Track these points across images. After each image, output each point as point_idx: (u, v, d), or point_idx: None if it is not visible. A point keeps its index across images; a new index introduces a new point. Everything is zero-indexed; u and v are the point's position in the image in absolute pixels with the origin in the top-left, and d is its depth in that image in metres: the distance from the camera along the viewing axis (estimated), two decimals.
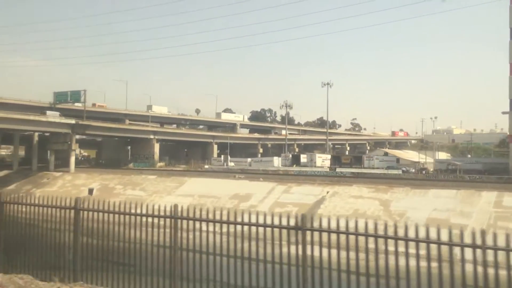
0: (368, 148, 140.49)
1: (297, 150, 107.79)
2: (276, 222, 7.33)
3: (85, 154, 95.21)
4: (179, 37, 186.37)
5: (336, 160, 60.06)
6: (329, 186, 37.68)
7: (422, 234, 6.19)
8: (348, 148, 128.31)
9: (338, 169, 51.27)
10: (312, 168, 54.41)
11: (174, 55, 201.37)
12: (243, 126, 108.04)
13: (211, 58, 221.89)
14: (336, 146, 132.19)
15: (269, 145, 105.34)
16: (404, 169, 51.12)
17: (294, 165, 60.19)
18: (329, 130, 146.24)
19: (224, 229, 8.05)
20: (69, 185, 49.66)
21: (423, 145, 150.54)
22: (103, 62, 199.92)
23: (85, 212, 9.47)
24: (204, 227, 8.26)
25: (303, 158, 63.55)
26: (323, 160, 61.07)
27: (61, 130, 53.66)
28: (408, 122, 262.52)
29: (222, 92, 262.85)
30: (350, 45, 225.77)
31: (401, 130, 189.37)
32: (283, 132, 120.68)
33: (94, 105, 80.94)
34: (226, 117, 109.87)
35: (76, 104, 63.73)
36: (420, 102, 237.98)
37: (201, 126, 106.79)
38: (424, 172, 49.85)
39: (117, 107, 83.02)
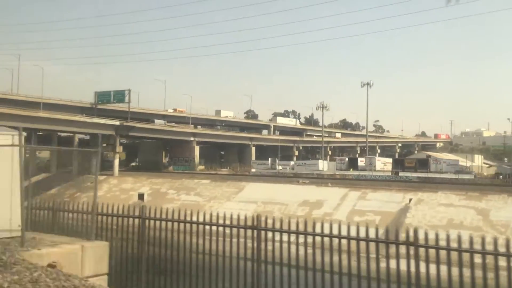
0: (398, 150, 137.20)
1: (330, 152, 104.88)
2: None
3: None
4: (188, 39, 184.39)
5: (399, 163, 56.86)
6: (410, 192, 34.61)
7: None
8: (378, 151, 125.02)
9: (401, 173, 48.28)
10: (372, 172, 51.25)
11: (191, 56, 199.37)
12: (277, 128, 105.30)
13: (228, 59, 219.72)
14: (364, 148, 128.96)
15: (301, 148, 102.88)
16: (473, 173, 47.98)
17: (351, 169, 57.21)
18: (356, 132, 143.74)
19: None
20: (117, 190, 47.31)
21: (452, 147, 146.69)
22: (134, 62, 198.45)
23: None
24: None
25: (361, 161, 60.50)
26: (384, 164, 57.93)
27: (105, 131, 51.35)
28: (433, 125, 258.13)
29: (243, 93, 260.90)
30: (373, 47, 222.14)
31: (423, 132, 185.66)
32: (312, 133, 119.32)
33: (175, 110, 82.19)
34: (281, 121, 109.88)
35: (120, 104, 61.36)
36: (444, 104, 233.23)
37: (218, 127, 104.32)
38: (501, 176, 46.62)
39: (153, 107, 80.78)
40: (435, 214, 30.77)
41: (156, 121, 55.17)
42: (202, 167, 66.82)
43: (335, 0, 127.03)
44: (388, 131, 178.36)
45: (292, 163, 66.93)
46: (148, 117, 70.29)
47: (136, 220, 9.11)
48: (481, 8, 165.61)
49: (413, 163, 54.57)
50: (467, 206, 31.02)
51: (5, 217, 7.71)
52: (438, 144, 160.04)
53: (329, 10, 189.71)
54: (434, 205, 32.11)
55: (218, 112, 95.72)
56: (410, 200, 32.79)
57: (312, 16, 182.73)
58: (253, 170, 60.47)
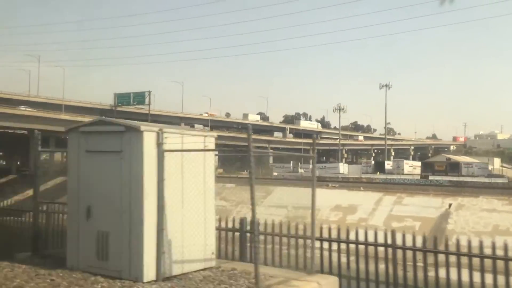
0: (412, 153, 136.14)
1: (345, 155, 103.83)
2: None
3: None
4: (189, 42, 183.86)
5: (428, 166, 55.73)
6: (448, 197, 33.31)
7: None
8: (393, 153, 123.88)
9: (430, 177, 47.13)
10: (400, 176, 50.23)
11: (196, 58, 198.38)
12: (292, 130, 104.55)
13: (236, 61, 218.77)
14: (378, 151, 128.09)
15: (315, 151, 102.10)
16: (506, 176, 46.74)
17: (378, 173, 56.14)
18: (371, 135, 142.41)
19: None
20: None
21: (466, 150, 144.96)
22: (150, 63, 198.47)
23: None
24: None
25: (388, 165, 59.44)
26: (413, 167, 56.85)
27: None
28: (445, 127, 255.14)
29: (249, 95, 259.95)
30: (380, 50, 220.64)
31: (433, 135, 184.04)
32: (326, 136, 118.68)
33: (207, 113, 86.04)
34: (304, 125, 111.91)
35: (140, 106, 60.56)
36: (455, 107, 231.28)
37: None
38: None
39: (170, 109, 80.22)
40: (478, 220, 29.52)
41: (196, 125, 54.36)
42: (221, 170, 65.64)
43: (336, 5, 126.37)
44: (399, 134, 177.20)
45: (311, 166, 65.62)
46: (166, 120, 69.27)
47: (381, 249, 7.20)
48: (489, 11, 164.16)
49: (443, 167, 53.28)
50: (511, 211, 29.90)
51: (199, 242, 6.19)
52: (451, 147, 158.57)
53: (330, 15, 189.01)
54: (476, 210, 30.86)
55: (245, 116, 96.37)
56: (450, 205, 31.56)
57: (313, 20, 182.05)
58: (275, 173, 59.42)
